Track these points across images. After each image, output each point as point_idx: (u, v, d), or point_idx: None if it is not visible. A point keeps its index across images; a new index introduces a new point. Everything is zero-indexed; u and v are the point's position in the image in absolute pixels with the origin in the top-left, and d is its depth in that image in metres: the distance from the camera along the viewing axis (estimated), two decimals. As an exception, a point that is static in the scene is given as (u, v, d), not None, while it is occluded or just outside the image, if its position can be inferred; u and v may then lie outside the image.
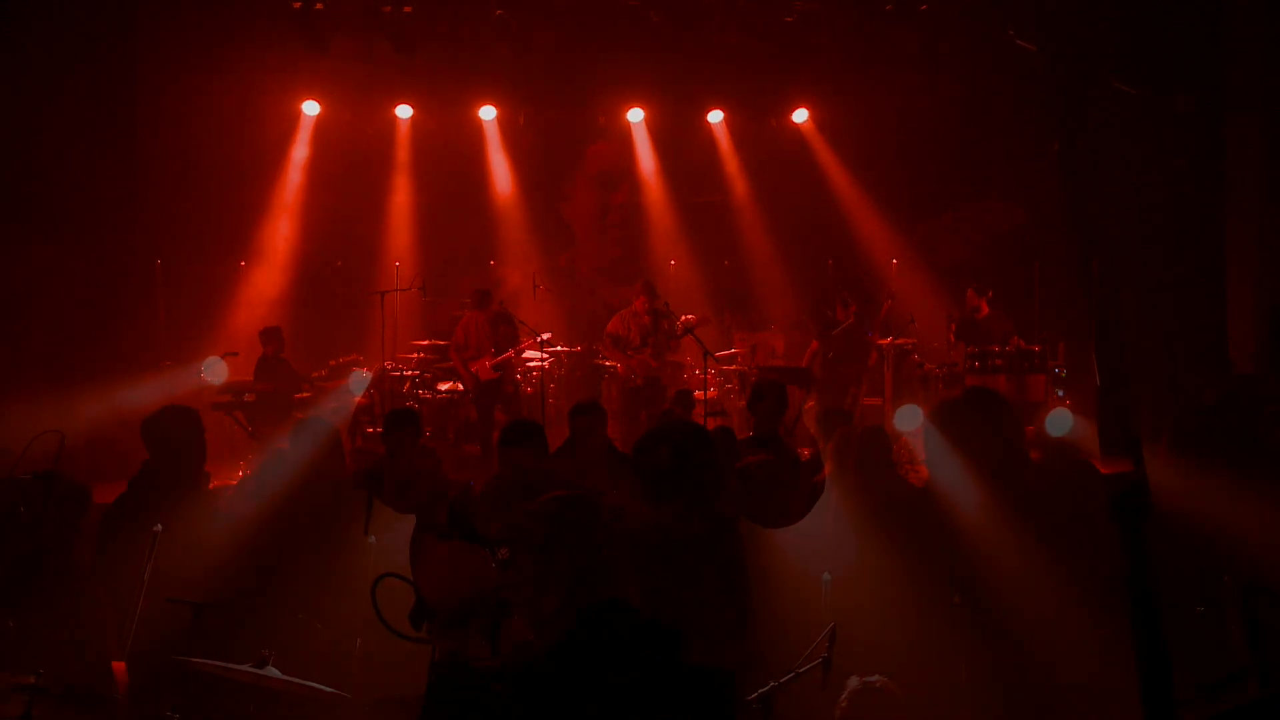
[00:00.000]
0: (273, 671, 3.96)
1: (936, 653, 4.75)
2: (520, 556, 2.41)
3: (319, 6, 10.38)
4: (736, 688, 2.56)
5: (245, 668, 3.94)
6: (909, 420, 8.06)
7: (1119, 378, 1.48)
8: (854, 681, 4.41)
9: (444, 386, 10.48)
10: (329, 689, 4.15)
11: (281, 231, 11.95)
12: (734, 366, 10.87)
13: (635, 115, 12.52)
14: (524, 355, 10.46)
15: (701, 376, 9.67)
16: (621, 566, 2.41)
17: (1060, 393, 10.11)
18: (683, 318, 10.35)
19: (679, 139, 12.73)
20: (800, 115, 12.43)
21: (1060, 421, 7.68)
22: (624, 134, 12.79)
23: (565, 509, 2.42)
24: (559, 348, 10.81)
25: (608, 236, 13.11)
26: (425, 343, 10.86)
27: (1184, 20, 9.74)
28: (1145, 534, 1.47)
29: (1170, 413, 8.62)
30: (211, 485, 5.99)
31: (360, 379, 9.94)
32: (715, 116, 12.56)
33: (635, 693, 2.32)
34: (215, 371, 9.48)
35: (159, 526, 4.06)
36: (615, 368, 10.32)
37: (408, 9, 10.49)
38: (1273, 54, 9.51)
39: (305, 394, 9.87)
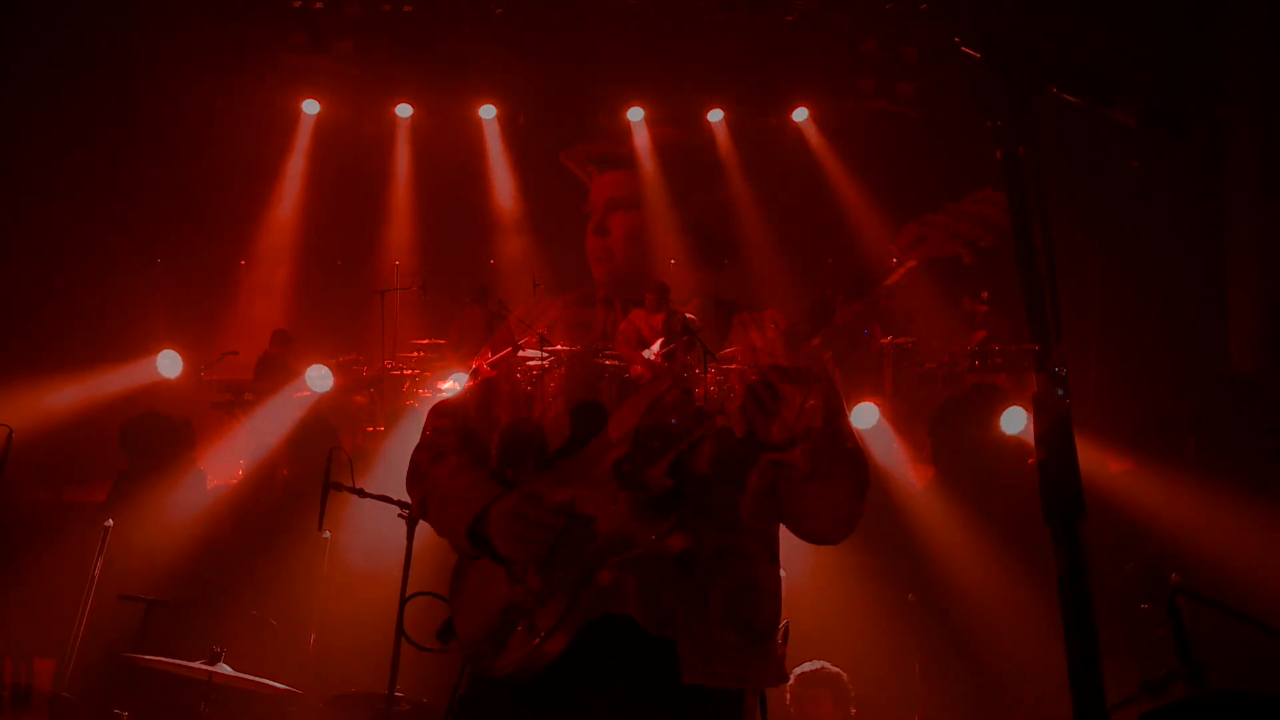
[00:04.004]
0: (225, 668, 3.94)
1: (891, 648, 4.86)
2: (526, 570, 2.41)
3: (319, 6, 10.38)
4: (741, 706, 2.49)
5: (197, 664, 3.93)
6: (863, 419, 8.03)
7: (1053, 373, 1.45)
8: (796, 671, 4.79)
9: (444, 386, 10.45)
10: (282, 685, 4.13)
11: (281, 231, 11.94)
12: (734, 366, 10.82)
13: (635, 115, 12.50)
14: (523, 354, 10.42)
15: (701, 376, 9.60)
16: (623, 580, 2.38)
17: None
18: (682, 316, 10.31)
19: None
20: (800, 114, 12.40)
21: (1014, 419, 7.44)
22: (626, 138, 12.72)
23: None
24: (558, 346, 10.79)
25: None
26: (425, 341, 10.84)
27: (1184, 19, 9.73)
28: (1079, 533, 1.42)
29: (1169, 411, 8.60)
30: (210, 486, 5.98)
31: (319, 375, 9.38)
32: (715, 116, 12.53)
33: (638, 710, 2.30)
34: (169, 366, 9.36)
35: (109, 521, 4.05)
36: (616, 367, 10.28)
37: (408, 9, 10.48)
38: (1273, 54, 9.49)
39: (304, 393, 9.86)
